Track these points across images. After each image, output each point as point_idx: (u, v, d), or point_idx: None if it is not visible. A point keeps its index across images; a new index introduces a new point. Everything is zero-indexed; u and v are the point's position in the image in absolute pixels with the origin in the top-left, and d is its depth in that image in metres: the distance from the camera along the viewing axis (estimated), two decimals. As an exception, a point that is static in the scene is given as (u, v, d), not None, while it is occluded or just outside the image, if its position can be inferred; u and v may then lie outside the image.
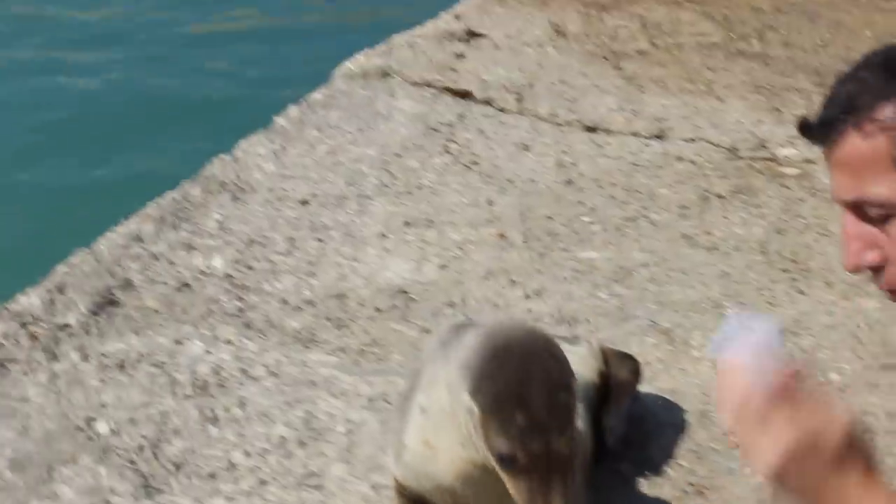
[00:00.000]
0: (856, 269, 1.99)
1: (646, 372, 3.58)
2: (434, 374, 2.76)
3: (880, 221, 1.92)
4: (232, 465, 3.28)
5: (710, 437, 3.43)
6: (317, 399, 3.54)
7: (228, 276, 4.11)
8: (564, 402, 2.58)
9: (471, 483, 2.70)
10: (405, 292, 4.07)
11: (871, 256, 1.96)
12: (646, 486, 3.27)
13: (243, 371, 3.66)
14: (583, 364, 3.33)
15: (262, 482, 3.22)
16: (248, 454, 3.33)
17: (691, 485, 3.27)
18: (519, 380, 2.54)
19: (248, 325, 3.88)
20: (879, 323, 3.94)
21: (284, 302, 4.00)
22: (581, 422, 3.09)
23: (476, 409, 2.53)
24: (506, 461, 2.51)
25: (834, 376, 3.71)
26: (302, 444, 3.37)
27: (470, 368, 2.58)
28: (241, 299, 4.00)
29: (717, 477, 3.28)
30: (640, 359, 3.64)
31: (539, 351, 2.65)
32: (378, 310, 3.99)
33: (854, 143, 1.90)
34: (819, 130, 1.96)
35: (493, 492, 2.66)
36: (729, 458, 3.34)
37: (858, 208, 1.94)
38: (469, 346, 2.65)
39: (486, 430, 2.52)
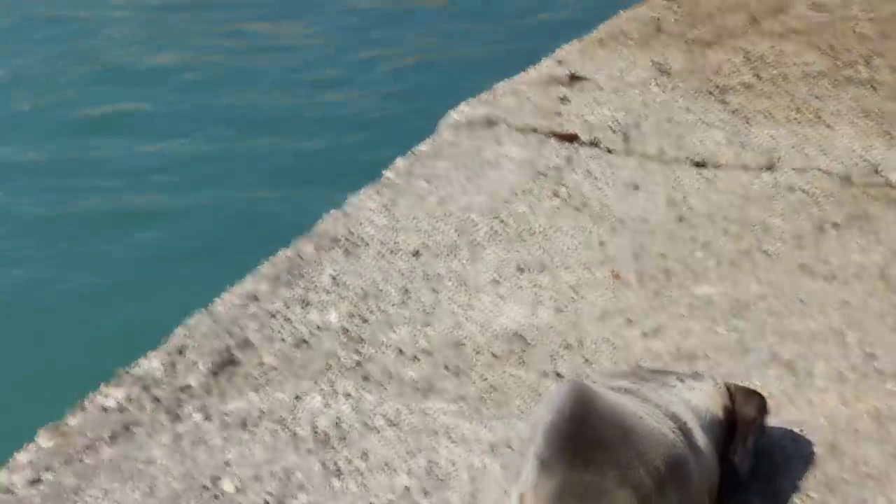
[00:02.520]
0: None
1: (770, 405, 3.53)
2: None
3: None
4: (357, 517, 3.29)
5: (842, 469, 3.37)
6: (438, 447, 3.53)
7: (344, 329, 4.12)
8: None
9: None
10: (521, 337, 4.05)
11: None
12: (777, 520, 3.22)
13: (363, 423, 3.66)
14: (708, 400, 3.30)
15: (389, 532, 3.22)
16: (372, 505, 3.33)
17: (823, 517, 3.20)
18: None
19: (366, 378, 3.88)
20: None
21: (401, 352, 4.01)
22: (708, 458, 3.07)
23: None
24: None
25: (965, 400, 3.63)
26: (426, 492, 3.36)
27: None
28: (357, 352, 4.01)
29: (850, 508, 3.22)
30: (763, 392, 3.59)
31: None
32: (495, 356, 3.98)
33: None
34: None
35: None
36: (862, 489, 3.28)
37: None
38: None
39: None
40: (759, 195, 4.92)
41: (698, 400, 3.23)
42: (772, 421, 3.50)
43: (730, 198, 4.91)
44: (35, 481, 3.48)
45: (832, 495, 3.28)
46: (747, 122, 5.60)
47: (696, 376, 3.47)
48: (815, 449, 3.46)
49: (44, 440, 3.66)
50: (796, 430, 3.54)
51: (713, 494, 3.08)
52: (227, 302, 4.30)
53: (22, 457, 3.61)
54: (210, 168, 9.40)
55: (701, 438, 3.07)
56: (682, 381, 3.32)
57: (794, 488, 3.31)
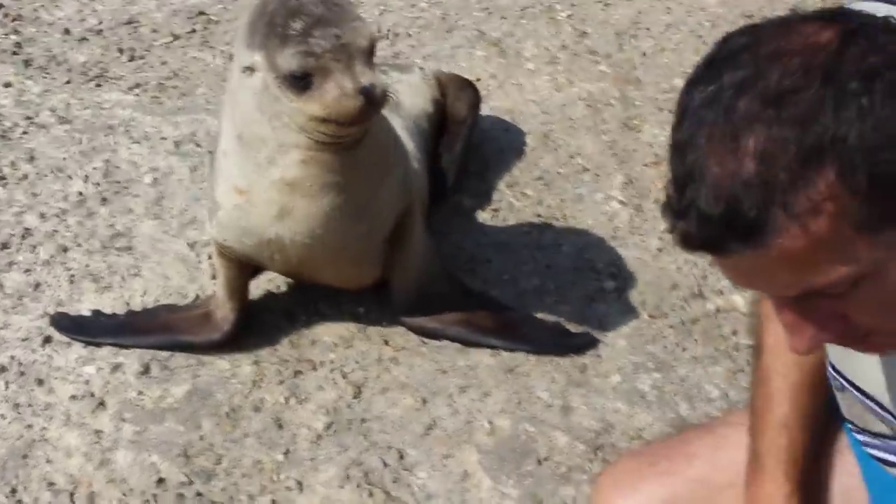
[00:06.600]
0: (811, 352, 1.47)
1: (479, 90, 3.25)
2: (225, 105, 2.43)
3: (836, 296, 1.36)
4: (26, 232, 2.88)
5: (556, 163, 3.14)
6: (116, 146, 3.13)
7: (0, 5, 3.61)
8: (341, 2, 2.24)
9: (290, 219, 2.36)
10: (204, 14, 3.64)
11: (831, 334, 1.42)
12: (490, 220, 2.97)
13: (28, 119, 3.22)
14: (415, 93, 2.99)
15: (63, 248, 2.83)
16: (43, 217, 2.92)
17: (539, 216, 2.97)
18: (285, 3, 2.22)
19: (28, 63, 3.42)
20: (722, 19, 3.66)
21: (67, 32, 3.55)
22: (416, 161, 2.77)
23: (258, 55, 2.22)
24: (301, 77, 2.18)
25: (678, 82, 3.43)
26: (104, 200, 2.97)
27: (244, 31, 2.28)
28: (17, 32, 3.53)
29: (567, 205, 3.00)
30: (470, 75, 3.31)
31: None
32: (175, 36, 3.56)
33: (791, 235, 1.25)
34: (729, 237, 1.23)
35: (310, 223, 2.37)
36: (577, 184, 3.06)
37: (806, 297, 1.36)
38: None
39: (273, 61, 2.20)
40: None
41: (403, 96, 2.88)
42: (481, 109, 3.23)
43: None
44: None
45: (548, 190, 3.05)
46: None
47: (403, 67, 3.15)
48: (528, 140, 3.21)
49: None
50: (507, 118, 3.28)
51: (424, 198, 2.78)
52: None
53: None
54: None
55: (408, 143, 2.73)
56: (384, 72, 2.98)
57: (508, 185, 3.07)
